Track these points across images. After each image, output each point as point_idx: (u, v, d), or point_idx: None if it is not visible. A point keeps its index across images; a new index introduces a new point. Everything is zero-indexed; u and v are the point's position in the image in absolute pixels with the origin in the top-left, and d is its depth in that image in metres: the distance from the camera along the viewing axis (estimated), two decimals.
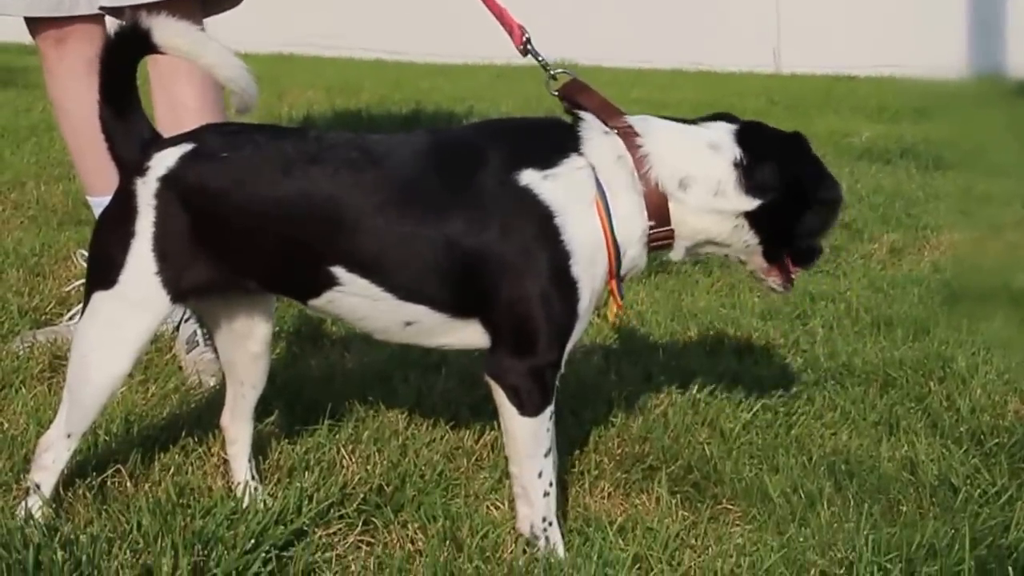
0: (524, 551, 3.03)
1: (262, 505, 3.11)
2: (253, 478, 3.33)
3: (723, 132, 3.09)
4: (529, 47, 3.39)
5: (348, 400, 3.88)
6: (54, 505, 3.07)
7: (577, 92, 3.15)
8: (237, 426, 3.34)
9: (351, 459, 3.51)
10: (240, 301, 3.19)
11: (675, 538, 3.15)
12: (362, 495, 3.29)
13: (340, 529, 3.14)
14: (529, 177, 2.94)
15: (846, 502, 3.38)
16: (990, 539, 3.07)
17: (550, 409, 3.02)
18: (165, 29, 2.99)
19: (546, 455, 3.05)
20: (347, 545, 3.09)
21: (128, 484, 3.29)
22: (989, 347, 4.64)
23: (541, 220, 2.92)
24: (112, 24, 4.28)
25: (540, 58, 3.35)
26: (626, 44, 17.05)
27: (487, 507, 3.31)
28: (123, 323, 3.00)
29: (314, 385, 4.05)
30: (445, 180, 2.96)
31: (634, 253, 3.05)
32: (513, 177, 2.94)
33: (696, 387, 4.13)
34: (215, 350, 4.02)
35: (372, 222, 2.93)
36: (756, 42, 17.20)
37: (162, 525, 2.96)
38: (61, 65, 4.49)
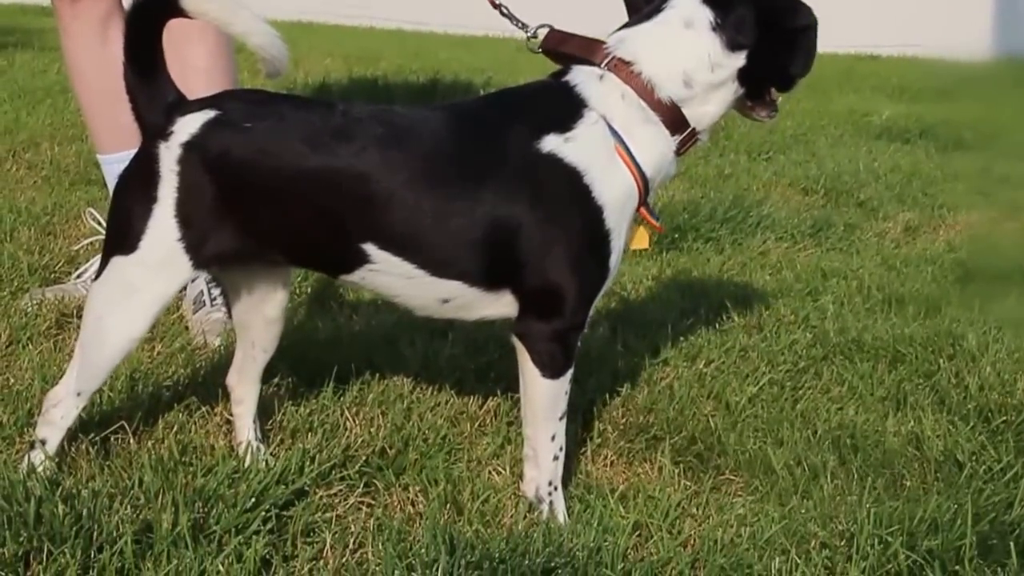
0: (524, 516, 3.04)
1: (264, 465, 3.12)
2: (256, 438, 3.33)
3: (686, 1, 3.08)
4: (503, 7, 3.39)
5: (354, 363, 3.87)
6: (56, 460, 3.07)
7: (559, 43, 3.16)
8: (244, 387, 3.34)
9: (355, 421, 3.51)
10: (260, 266, 3.18)
11: (676, 507, 3.15)
12: (364, 457, 3.29)
13: (341, 490, 3.14)
14: (552, 143, 2.95)
15: (849, 475, 3.37)
16: (993, 515, 3.06)
17: (570, 372, 3.04)
18: None
19: (561, 418, 3.07)
20: (347, 506, 3.09)
21: (131, 441, 3.30)
22: (1000, 326, 4.61)
23: (571, 183, 2.94)
24: None
25: (516, 21, 3.32)
26: None
27: (489, 472, 3.31)
28: (142, 287, 2.99)
29: (320, 347, 4.05)
30: (471, 153, 2.97)
31: (664, 173, 3.12)
32: (537, 145, 2.95)
33: (703, 362, 4.13)
34: (228, 309, 4.04)
35: (401, 198, 2.92)
36: None
37: (163, 482, 2.97)
38: (75, 23, 4.49)
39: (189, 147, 2.93)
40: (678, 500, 3.19)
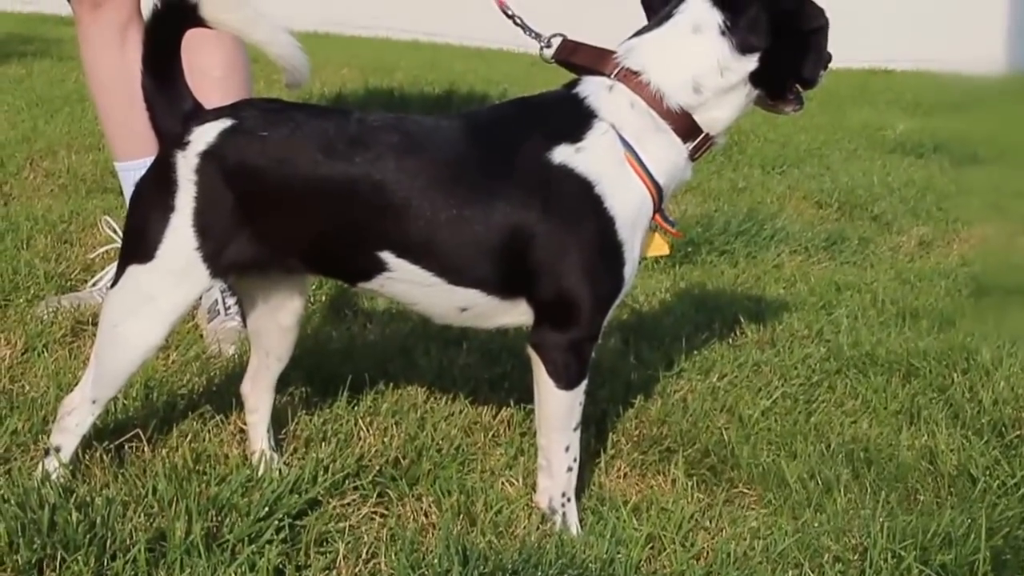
0: (538, 527, 3.04)
1: (277, 474, 3.12)
2: (270, 447, 3.33)
3: (696, 5, 3.08)
4: (516, 18, 3.38)
5: (368, 372, 3.87)
6: (71, 467, 3.08)
7: (570, 53, 3.17)
8: (257, 395, 3.35)
9: (369, 431, 3.51)
10: (277, 274, 3.18)
11: (689, 519, 3.14)
12: (378, 467, 3.30)
13: (354, 500, 3.15)
14: (563, 153, 2.95)
15: (863, 489, 3.37)
16: (1007, 530, 3.05)
17: (585, 383, 3.04)
18: (215, 4, 2.94)
19: (575, 429, 3.07)
20: (361, 516, 3.09)
21: (145, 449, 3.30)
22: (1015, 340, 4.60)
23: (582, 193, 2.94)
24: None
25: (530, 30, 3.31)
26: None
27: (502, 483, 3.30)
28: (159, 296, 2.99)
29: (335, 356, 4.06)
30: (485, 162, 2.97)
31: (679, 180, 3.13)
32: (549, 155, 2.95)
33: (717, 374, 4.13)
34: (243, 317, 4.04)
35: (418, 206, 2.93)
36: None
37: (177, 490, 2.97)
38: (94, 30, 4.51)
39: (206, 156, 2.94)
40: (691, 513, 3.18)
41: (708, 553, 3.01)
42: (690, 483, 3.39)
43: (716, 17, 3.04)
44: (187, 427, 3.47)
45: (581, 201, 2.94)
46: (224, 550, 2.79)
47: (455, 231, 2.93)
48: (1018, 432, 3.74)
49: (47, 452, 3.09)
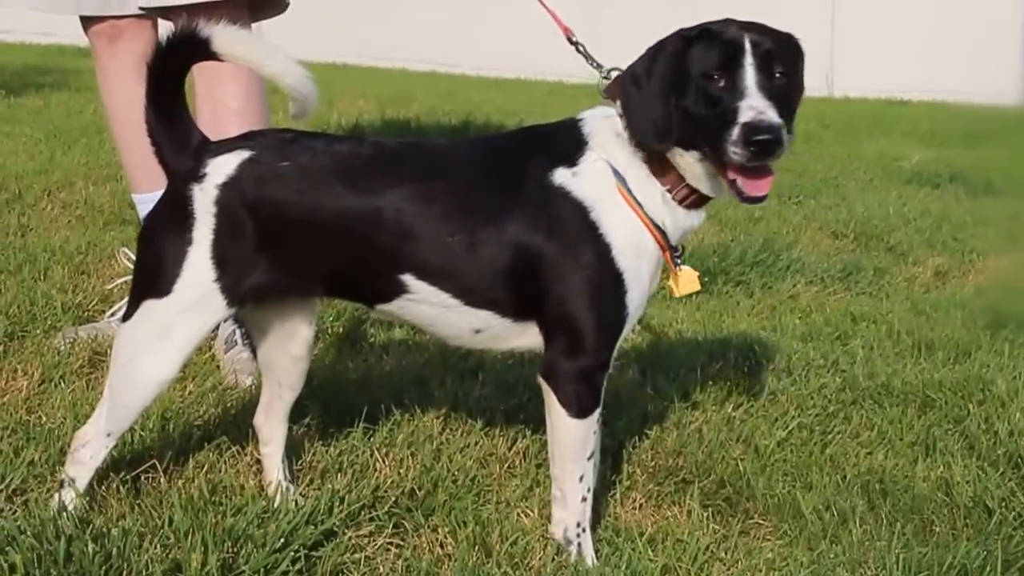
0: (553, 558, 3.03)
1: (293, 505, 3.12)
2: (286, 478, 3.34)
3: None
4: (580, 47, 3.37)
5: (384, 403, 3.88)
6: (87, 498, 3.09)
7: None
8: (271, 426, 3.36)
9: (384, 462, 3.52)
10: (286, 303, 3.20)
11: (705, 551, 3.14)
12: (394, 498, 3.30)
13: (370, 531, 3.15)
14: (561, 176, 2.96)
15: (879, 521, 3.37)
16: (1022, 562, 3.05)
17: (598, 412, 3.03)
18: (226, 37, 2.96)
19: (589, 458, 3.06)
20: (376, 547, 3.10)
21: (161, 480, 3.31)
22: None
23: (579, 216, 2.94)
24: (165, 23, 4.32)
25: (592, 60, 3.27)
26: None
27: (518, 514, 3.31)
28: (175, 329, 3.00)
29: (350, 387, 4.07)
30: (495, 185, 2.99)
31: (670, 219, 3.01)
32: (550, 177, 2.96)
33: (732, 405, 4.13)
34: (253, 349, 4.05)
35: (435, 229, 2.95)
36: (809, 66, 17.09)
37: (193, 521, 2.98)
38: (113, 62, 4.54)
39: (225, 188, 2.96)
40: (707, 544, 3.18)
41: None
42: (706, 514, 3.39)
43: None
44: (203, 458, 3.48)
45: (579, 225, 2.93)
46: None
47: (470, 252, 2.95)
48: None
49: (63, 483, 3.09)
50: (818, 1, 16.77)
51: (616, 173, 2.97)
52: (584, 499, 3.08)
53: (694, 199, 3.02)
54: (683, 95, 2.87)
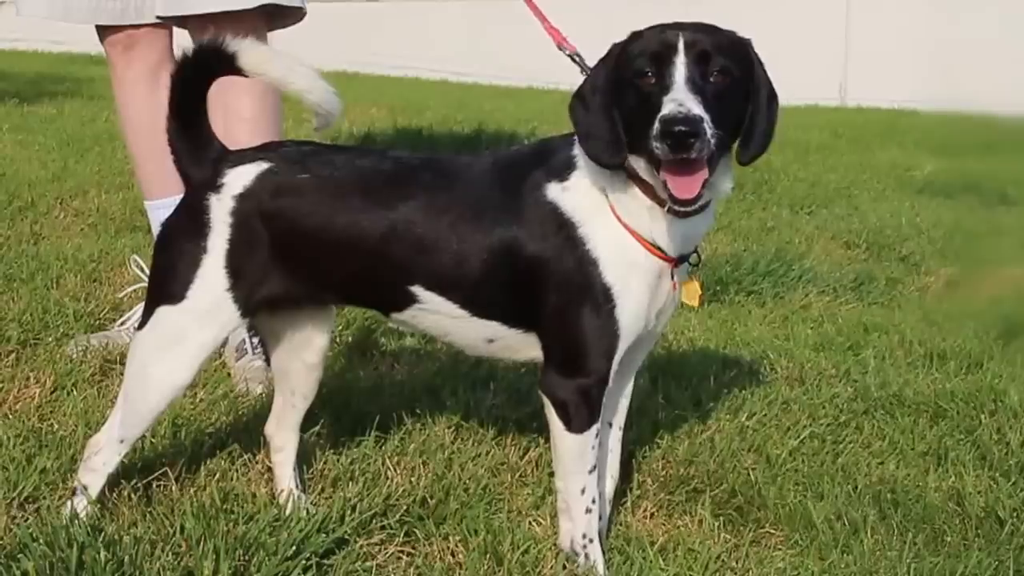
0: (564, 567, 3.03)
1: (305, 513, 3.12)
2: (297, 486, 3.34)
3: None
4: (577, 56, 3.35)
5: (396, 412, 3.89)
6: (99, 506, 3.09)
7: None
8: (283, 435, 3.36)
9: (396, 471, 3.52)
10: (301, 312, 3.21)
11: (716, 560, 3.14)
12: (405, 507, 3.30)
13: (382, 540, 3.15)
14: (553, 191, 2.95)
15: (890, 531, 3.36)
16: None
17: (596, 427, 3.02)
18: (253, 54, 2.98)
19: (590, 472, 3.05)
20: (387, 555, 3.10)
21: (173, 488, 3.31)
22: None
23: (568, 229, 2.92)
24: (180, 32, 4.34)
25: (587, 69, 3.24)
26: None
27: (529, 523, 3.31)
28: (188, 337, 3.01)
29: (362, 396, 4.07)
30: (498, 199, 2.99)
31: (661, 230, 2.92)
32: (543, 192, 2.96)
33: (744, 414, 4.12)
34: (266, 358, 4.05)
35: (445, 241, 2.96)
36: (823, 76, 17.12)
37: (205, 529, 2.98)
38: (128, 72, 4.56)
39: (243, 198, 2.97)
40: (718, 553, 3.18)
41: None
42: (717, 523, 3.38)
43: None
44: (215, 466, 3.49)
45: (566, 240, 2.92)
46: None
47: (471, 264, 2.96)
48: None
49: (75, 491, 3.10)
50: (832, 12, 16.79)
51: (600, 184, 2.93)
52: (588, 510, 3.07)
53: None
54: (622, 101, 2.84)
